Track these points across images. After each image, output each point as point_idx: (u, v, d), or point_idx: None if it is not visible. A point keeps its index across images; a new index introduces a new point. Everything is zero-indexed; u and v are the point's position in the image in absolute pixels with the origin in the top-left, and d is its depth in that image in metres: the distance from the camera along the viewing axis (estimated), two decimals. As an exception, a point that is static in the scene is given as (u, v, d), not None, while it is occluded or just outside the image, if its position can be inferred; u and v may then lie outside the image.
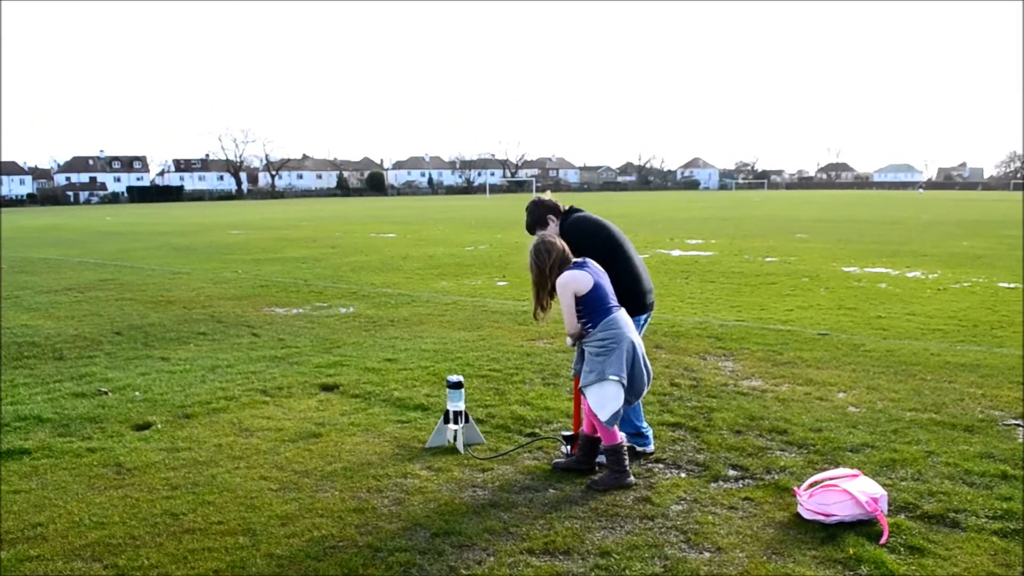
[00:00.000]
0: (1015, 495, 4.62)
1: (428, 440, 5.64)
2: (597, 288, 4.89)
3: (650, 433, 5.51)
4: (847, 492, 4.20)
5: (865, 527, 4.18)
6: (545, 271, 4.93)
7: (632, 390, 4.89)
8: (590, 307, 4.89)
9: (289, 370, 7.90)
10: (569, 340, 5.13)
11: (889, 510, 4.39)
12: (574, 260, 4.98)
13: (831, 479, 4.37)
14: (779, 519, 4.37)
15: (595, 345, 4.86)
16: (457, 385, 5.53)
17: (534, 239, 5.09)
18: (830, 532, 4.16)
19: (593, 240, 5.27)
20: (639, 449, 5.41)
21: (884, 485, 4.63)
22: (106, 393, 7.11)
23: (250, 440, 5.79)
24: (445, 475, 5.09)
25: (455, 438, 5.54)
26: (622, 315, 4.94)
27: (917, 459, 5.23)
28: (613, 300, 4.96)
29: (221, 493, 4.79)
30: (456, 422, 5.52)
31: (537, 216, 5.43)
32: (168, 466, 5.27)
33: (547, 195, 5.53)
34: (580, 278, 4.87)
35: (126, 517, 4.46)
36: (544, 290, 4.97)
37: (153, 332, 10.09)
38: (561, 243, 4.99)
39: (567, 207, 5.50)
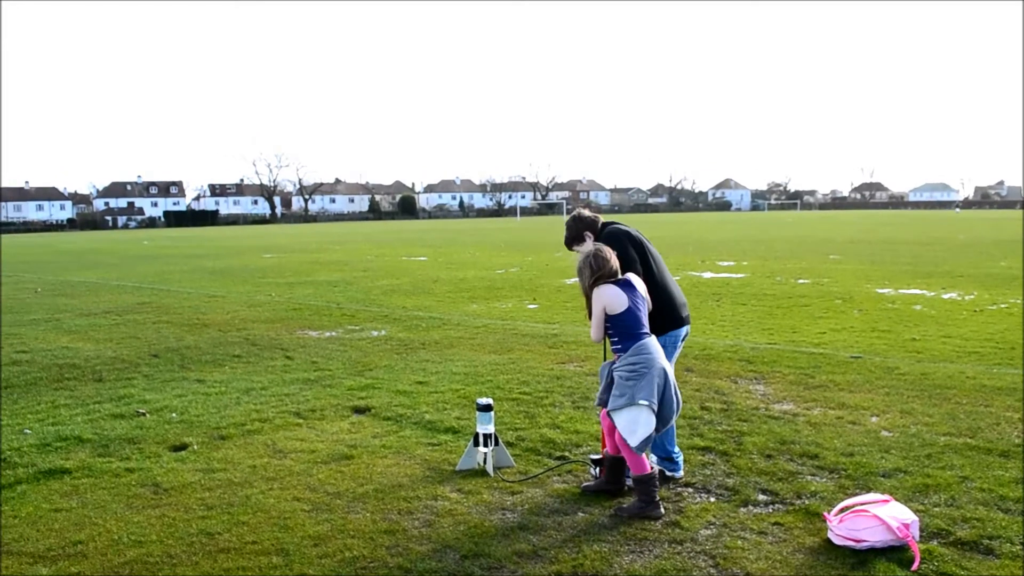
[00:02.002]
0: (1051, 521, 4.56)
1: (458, 463, 5.69)
2: (630, 312, 4.90)
3: (680, 459, 5.51)
4: (878, 518, 4.18)
5: (896, 553, 4.15)
6: (586, 285, 4.98)
7: (661, 417, 4.89)
8: (621, 329, 4.92)
9: (322, 392, 8.00)
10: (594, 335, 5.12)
11: (921, 536, 4.35)
12: (620, 277, 5.01)
13: (862, 504, 4.34)
14: (809, 544, 4.35)
15: (626, 369, 4.88)
16: (487, 408, 5.57)
17: (586, 250, 5.08)
18: (860, 558, 4.13)
19: (624, 251, 5.23)
20: (668, 474, 5.42)
21: (916, 511, 4.60)
22: (144, 414, 7.26)
23: (283, 461, 5.87)
24: (475, 498, 5.13)
25: (485, 461, 5.58)
26: (653, 342, 4.96)
27: (951, 484, 5.17)
28: (646, 327, 4.98)
29: (255, 513, 4.88)
30: (486, 445, 5.57)
31: (575, 232, 5.51)
32: (204, 486, 5.37)
33: (587, 211, 5.59)
34: (614, 296, 4.89)
35: (163, 536, 4.56)
36: (589, 301, 5.02)
37: (189, 354, 10.27)
38: (614, 260, 4.99)
39: (603, 223, 5.54)
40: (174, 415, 7.22)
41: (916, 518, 4.31)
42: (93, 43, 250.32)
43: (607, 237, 5.36)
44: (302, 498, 5.13)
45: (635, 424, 4.78)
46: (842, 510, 4.38)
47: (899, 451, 5.88)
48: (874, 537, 4.15)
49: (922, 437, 6.22)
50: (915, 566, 4.01)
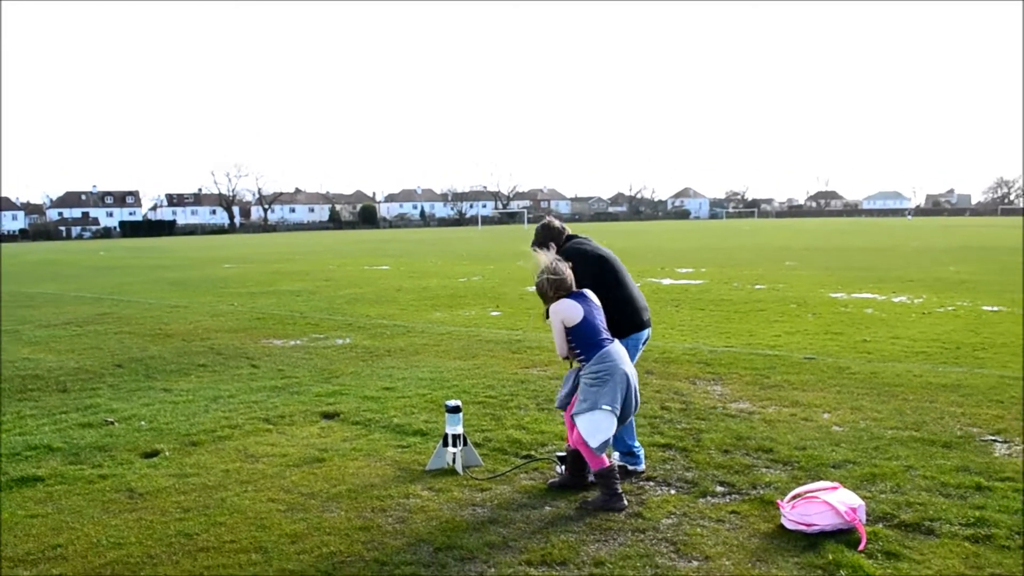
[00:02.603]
0: (988, 504, 4.87)
1: (428, 463, 5.86)
2: (587, 322, 5.16)
3: (641, 453, 5.75)
4: (827, 503, 4.45)
5: (844, 535, 4.42)
6: (546, 298, 5.25)
7: (621, 416, 5.15)
8: (581, 339, 5.16)
9: (290, 399, 8.11)
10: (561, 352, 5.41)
11: (868, 520, 4.63)
12: (574, 290, 5.25)
13: (812, 491, 4.61)
14: (764, 530, 4.61)
15: (590, 376, 5.12)
16: (455, 409, 5.76)
17: (545, 267, 5.32)
18: (811, 541, 4.39)
19: (587, 266, 5.58)
20: (631, 468, 5.65)
21: (864, 497, 4.87)
22: (112, 423, 7.31)
23: (256, 465, 5.99)
24: (446, 495, 5.30)
25: (454, 460, 5.76)
26: (615, 348, 5.21)
27: (896, 473, 5.47)
28: (605, 333, 5.23)
29: (231, 515, 5.00)
30: (455, 445, 5.75)
31: (542, 238, 5.85)
32: (179, 490, 5.47)
33: (556, 222, 5.96)
34: (570, 309, 5.15)
35: (142, 538, 4.66)
36: (545, 305, 5.29)
37: (154, 364, 10.29)
38: (569, 276, 5.25)
39: (568, 235, 5.89)
40: (143, 423, 7.28)
41: (863, 503, 4.59)
42: (45, 50, 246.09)
43: (567, 252, 5.66)
44: (277, 499, 5.27)
45: (597, 428, 5.02)
46: (794, 497, 4.64)
47: (848, 444, 6.18)
48: (824, 521, 4.42)
49: (870, 431, 6.53)
50: (862, 546, 4.28)
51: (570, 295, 5.22)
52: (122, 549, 4.51)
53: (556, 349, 5.31)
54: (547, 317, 5.31)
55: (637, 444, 5.74)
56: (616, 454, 5.67)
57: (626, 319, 5.65)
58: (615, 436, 5.31)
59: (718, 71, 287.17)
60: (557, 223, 5.93)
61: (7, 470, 5.96)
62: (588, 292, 5.35)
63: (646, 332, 5.84)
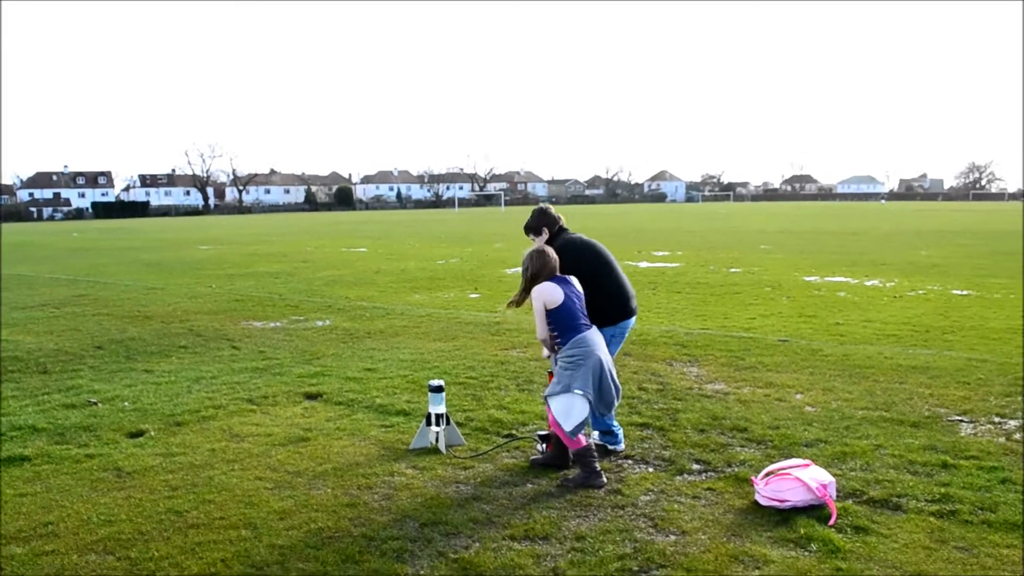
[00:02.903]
0: (953, 482, 5.07)
1: (411, 442, 5.98)
2: (566, 306, 5.29)
3: (620, 432, 5.90)
4: (799, 480, 4.62)
5: (815, 511, 4.60)
6: (527, 276, 5.36)
7: (603, 402, 5.30)
8: (560, 322, 5.29)
9: (272, 380, 8.19)
10: (544, 352, 5.65)
11: (838, 496, 4.81)
12: (557, 275, 5.37)
13: (785, 468, 4.78)
14: (738, 506, 4.78)
15: (564, 360, 5.27)
16: (439, 389, 5.88)
17: (533, 250, 5.46)
18: (784, 516, 4.57)
19: (579, 256, 5.75)
20: (610, 448, 5.80)
21: (834, 475, 5.05)
22: (96, 404, 7.35)
23: (241, 445, 6.08)
24: (430, 473, 5.43)
25: (437, 439, 5.88)
26: (592, 334, 5.35)
27: (866, 452, 5.66)
28: (584, 319, 5.37)
29: (220, 492, 5.09)
30: (438, 424, 5.87)
31: (536, 223, 5.97)
32: (166, 469, 5.56)
33: (552, 210, 6.05)
34: (551, 291, 5.28)
35: (132, 515, 4.75)
36: (526, 292, 5.39)
37: (134, 346, 10.30)
38: (554, 257, 5.38)
39: (561, 225, 5.99)
40: (126, 404, 7.33)
41: (833, 479, 4.78)
42: (15, 27, 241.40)
43: (559, 241, 5.80)
44: (264, 477, 5.37)
45: (569, 410, 5.16)
46: (767, 474, 4.81)
47: (820, 424, 6.37)
48: (796, 497, 4.59)
49: (842, 411, 6.73)
50: (832, 521, 4.46)
51: (552, 279, 5.34)
52: (113, 526, 4.60)
53: (536, 331, 5.44)
54: (517, 303, 5.44)
55: (616, 424, 5.89)
56: (595, 433, 5.82)
57: (617, 307, 5.83)
58: (594, 416, 5.46)
59: (695, 55, 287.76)
60: (553, 211, 6.04)
61: (-7, 450, 6.01)
62: (572, 278, 5.47)
63: (632, 320, 6.00)
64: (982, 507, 4.67)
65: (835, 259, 21.31)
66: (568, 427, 5.13)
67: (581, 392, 5.14)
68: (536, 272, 5.33)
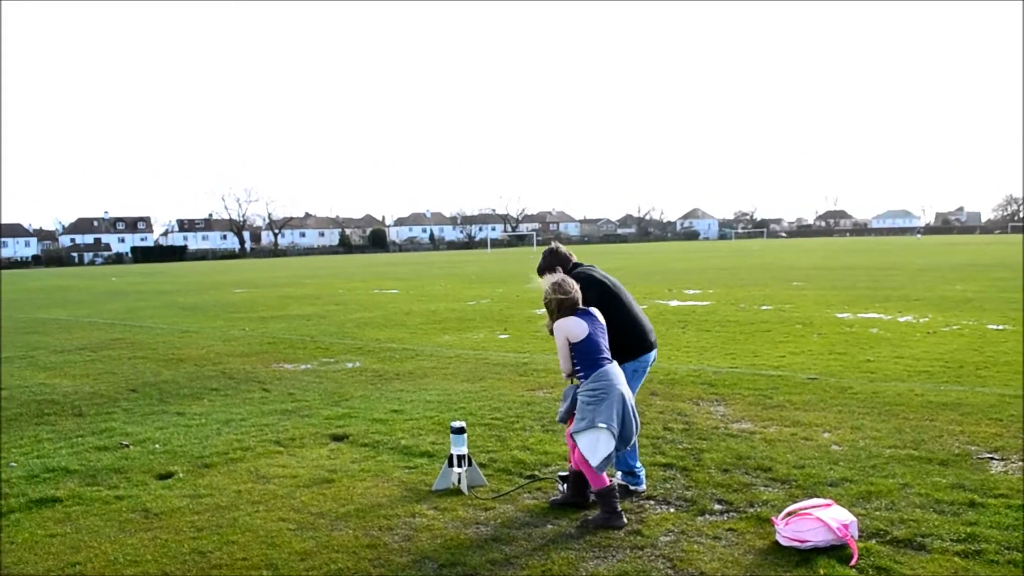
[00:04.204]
0: (980, 520, 4.99)
1: (434, 483, 6.01)
2: (590, 340, 5.32)
3: (643, 473, 5.89)
4: (820, 519, 4.58)
5: (837, 551, 4.54)
6: (551, 308, 5.41)
7: (622, 437, 5.29)
8: (583, 356, 5.32)
9: (300, 422, 8.28)
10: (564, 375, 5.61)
11: (860, 536, 4.75)
12: (580, 307, 5.42)
13: (806, 508, 4.74)
14: (759, 547, 4.74)
15: (587, 394, 5.28)
16: (460, 430, 5.92)
17: (555, 278, 5.51)
18: (804, 556, 4.52)
19: (592, 291, 5.77)
20: (632, 488, 5.79)
21: (858, 515, 5.00)
22: (127, 446, 7.49)
23: (267, 486, 6.16)
24: (450, 514, 5.46)
25: (459, 480, 5.91)
26: (614, 368, 5.37)
27: (892, 491, 5.59)
28: (606, 353, 5.39)
29: (243, 533, 5.16)
30: (460, 465, 5.90)
31: (548, 263, 6.08)
32: (192, 510, 5.65)
33: (563, 248, 6.16)
34: (575, 326, 5.31)
35: (158, 556, 4.83)
36: (552, 320, 5.44)
37: (167, 389, 10.48)
38: (577, 293, 5.41)
39: (574, 263, 6.08)
40: (157, 446, 7.46)
41: (855, 519, 4.72)
42: (57, 78, 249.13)
43: (574, 277, 5.82)
44: (287, 519, 5.43)
45: (595, 445, 5.17)
46: (788, 514, 4.77)
47: (846, 463, 6.30)
48: (816, 537, 4.55)
49: (869, 450, 6.65)
50: (853, 562, 4.41)
51: (576, 312, 5.38)
52: (138, 567, 4.68)
53: (560, 366, 5.48)
54: (551, 332, 5.47)
55: (639, 465, 5.88)
56: (618, 474, 5.82)
57: (634, 341, 5.85)
58: (617, 456, 5.47)
59: (726, 92, 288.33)
60: (563, 249, 6.14)
61: (26, 492, 6.15)
62: (595, 311, 5.50)
63: (653, 354, 6.01)
64: (1009, 546, 4.59)
65: (868, 295, 21.09)
66: (595, 461, 5.13)
67: (605, 425, 5.15)
68: (560, 303, 5.35)
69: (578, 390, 5.38)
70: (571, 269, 6.01)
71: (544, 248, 6.23)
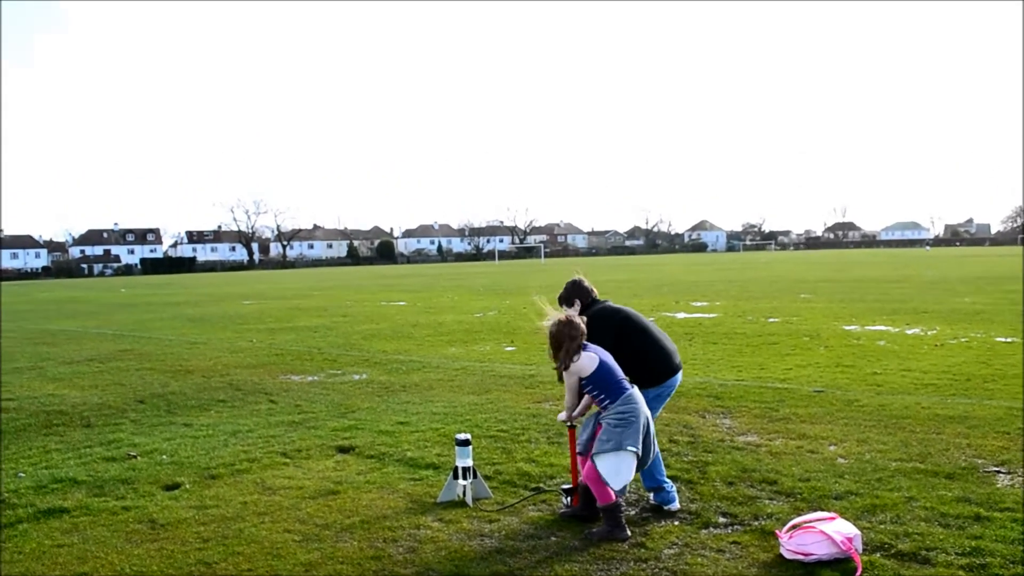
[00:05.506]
0: (986, 534, 4.97)
1: (439, 495, 6.03)
2: (603, 367, 5.34)
3: (673, 489, 5.78)
4: (824, 532, 4.58)
5: (840, 564, 4.54)
6: (558, 347, 5.38)
7: (640, 461, 5.31)
8: (603, 384, 5.34)
9: (307, 434, 8.31)
10: (561, 416, 5.71)
11: (865, 549, 4.74)
12: (583, 343, 5.42)
13: (810, 521, 4.74)
14: (763, 560, 4.73)
15: (615, 417, 5.29)
16: (465, 443, 5.94)
17: (561, 319, 5.45)
18: (808, 569, 4.52)
19: (608, 323, 5.77)
20: (665, 508, 5.67)
21: (863, 528, 5.00)
22: (135, 457, 7.53)
23: (273, 498, 6.18)
24: (455, 526, 5.47)
25: (464, 493, 5.92)
26: (637, 393, 5.41)
27: (897, 504, 5.58)
28: (624, 377, 5.43)
29: (249, 544, 5.19)
30: (465, 477, 5.92)
31: (568, 294, 6.00)
32: (198, 521, 5.67)
33: (586, 281, 6.09)
34: (584, 361, 5.34)
35: (163, 566, 4.86)
36: (564, 367, 5.40)
37: (175, 400, 10.53)
38: (583, 329, 5.39)
39: (594, 297, 6.02)
40: (164, 457, 7.50)
41: (859, 532, 4.72)
42: (67, 90, 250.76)
43: (594, 316, 5.80)
44: (292, 530, 5.45)
45: (619, 468, 5.18)
46: (792, 527, 4.77)
47: (852, 476, 6.29)
48: (820, 550, 4.55)
49: (875, 463, 6.64)
50: (857, 575, 4.40)
51: (581, 348, 5.39)
52: (144, 577, 4.70)
53: (565, 404, 5.54)
54: (560, 378, 5.48)
55: (668, 481, 5.78)
56: (650, 495, 5.77)
57: (660, 366, 5.83)
58: (644, 473, 5.49)
59: (736, 104, 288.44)
60: (587, 283, 6.05)
61: (34, 502, 6.19)
62: (590, 344, 5.47)
63: (678, 376, 5.99)
64: (1014, 560, 4.57)
65: (876, 307, 21.03)
66: (617, 485, 5.15)
67: (633, 449, 5.17)
68: (570, 342, 5.33)
69: (601, 415, 5.39)
70: (590, 303, 5.97)
71: (568, 281, 6.07)
